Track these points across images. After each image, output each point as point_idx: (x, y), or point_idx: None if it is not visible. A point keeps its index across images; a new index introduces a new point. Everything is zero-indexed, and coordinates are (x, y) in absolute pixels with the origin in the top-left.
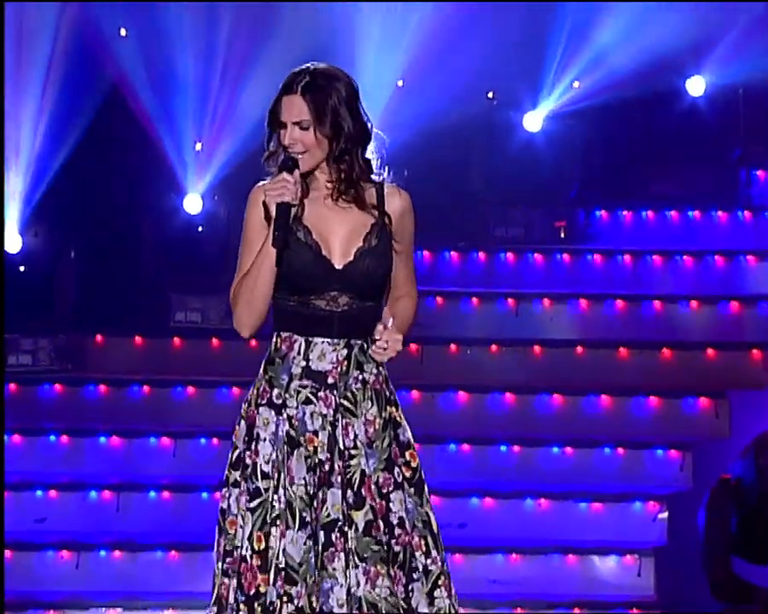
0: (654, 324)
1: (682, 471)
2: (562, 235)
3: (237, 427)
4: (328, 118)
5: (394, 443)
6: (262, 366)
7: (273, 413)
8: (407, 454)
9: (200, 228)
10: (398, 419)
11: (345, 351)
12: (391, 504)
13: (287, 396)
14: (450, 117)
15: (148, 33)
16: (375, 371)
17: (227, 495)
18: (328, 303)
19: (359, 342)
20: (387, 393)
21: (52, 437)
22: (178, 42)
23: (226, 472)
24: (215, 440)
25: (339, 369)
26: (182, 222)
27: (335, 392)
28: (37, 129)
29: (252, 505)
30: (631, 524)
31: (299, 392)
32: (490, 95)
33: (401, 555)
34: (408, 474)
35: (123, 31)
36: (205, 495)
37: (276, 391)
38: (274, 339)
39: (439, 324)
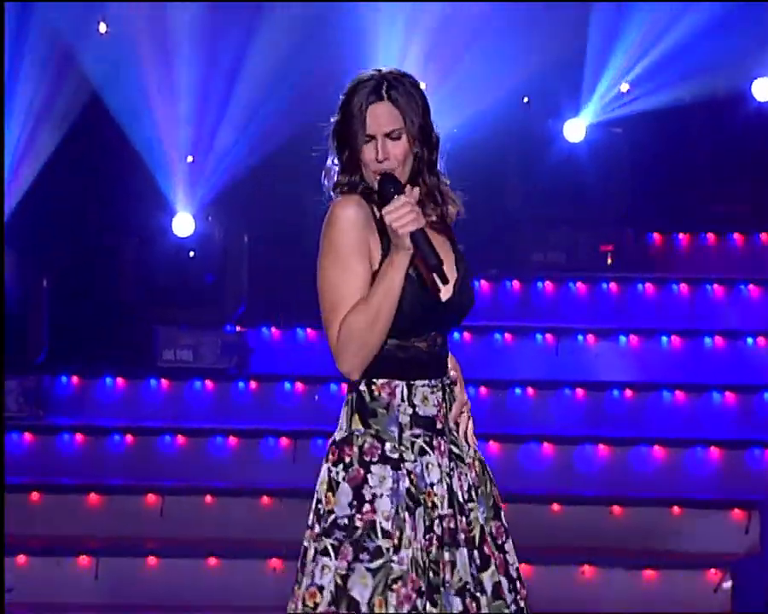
0: (715, 364)
1: (747, 534)
2: (609, 261)
3: (329, 495)
4: (419, 126)
5: (490, 483)
6: (355, 420)
7: (389, 468)
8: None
9: (191, 253)
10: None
11: (440, 393)
12: (507, 555)
13: (402, 448)
14: (480, 125)
15: (134, 36)
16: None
17: (312, 567)
18: (429, 344)
19: (447, 381)
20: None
21: (21, 494)
22: (167, 45)
23: (308, 544)
24: (209, 498)
25: (442, 412)
26: (170, 245)
27: (444, 438)
28: (7, 140)
29: (373, 565)
30: (690, 595)
31: (413, 443)
32: (525, 99)
33: (525, 611)
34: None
35: (102, 27)
36: (199, 562)
37: (388, 445)
38: (363, 388)
39: (465, 363)
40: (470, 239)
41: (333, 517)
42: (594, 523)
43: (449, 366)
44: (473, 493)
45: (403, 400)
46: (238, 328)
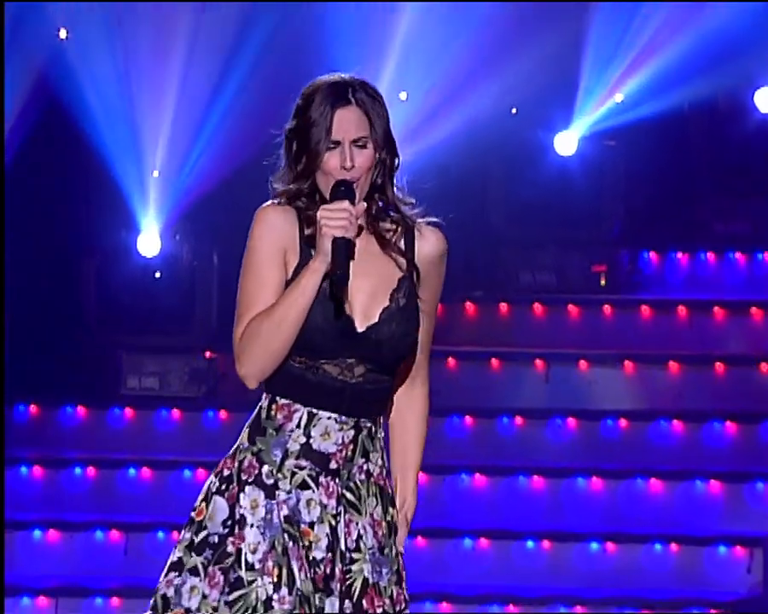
0: (718, 392)
1: (749, 573)
2: (603, 283)
3: (203, 505)
4: (384, 133)
5: (395, 549)
6: (246, 434)
7: (263, 495)
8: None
9: (157, 274)
10: (396, 524)
11: (352, 433)
12: None
13: (279, 476)
14: (464, 137)
15: (96, 41)
16: (380, 462)
17: (177, 582)
18: (342, 371)
19: (368, 424)
20: (389, 491)
21: None
22: (133, 56)
23: (179, 553)
24: (176, 534)
25: (344, 453)
26: (135, 266)
27: (338, 480)
28: None
29: (231, 597)
30: None
31: (294, 473)
32: (513, 110)
33: None
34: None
35: (63, 34)
36: None
37: (266, 468)
38: (266, 404)
39: (450, 392)
40: (453, 259)
41: (205, 533)
42: (586, 561)
43: (380, 412)
44: (361, 544)
45: (298, 426)
46: (208, 354)
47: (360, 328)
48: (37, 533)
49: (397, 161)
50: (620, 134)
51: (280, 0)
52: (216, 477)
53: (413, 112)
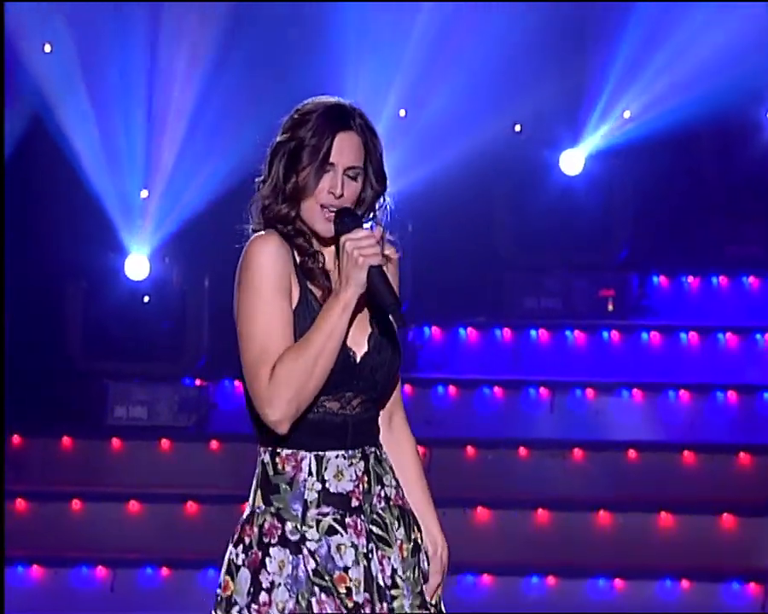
0: (729, 422)
1: (765, 610)
2: (610, 308)
3: (228, 579)
4: (378, 166)
5: (419, 571)
6: (258, 496)
7: (289, 553)
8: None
9: (146, 299)
10: (422, 543)
11: (362, 464)
12: None
13: (304, 528)
14: (466, 156)
15: (82, 58)
16: (393, 482)
17: None
18: (342, 405)
19: (373, 450)
20: (409, 508)
21: None
22: (121, 71)
23: None
24: (165, 569)
25: (361, 487)
26: (123, 290)
27: (363, 517)
28: None
29: None
30: None
31: (319, 521)
32: (517, 128)
33: None
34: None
35: (47, 48)
36: None
37: (289, 525)
38: (268, 459)
39: (451, 421)
40: (455, 283)
41: (237, 608)
42: (595, 598)
43: (377, 434)
44: (397, 578)
45: (310, 474)
46: (198, 382)
47: (357, 360)
48: (20, 569)
49: (383, 199)
50: (629, 152)
51: (272, 12)
52: (236, 547)
53: (412, 129)
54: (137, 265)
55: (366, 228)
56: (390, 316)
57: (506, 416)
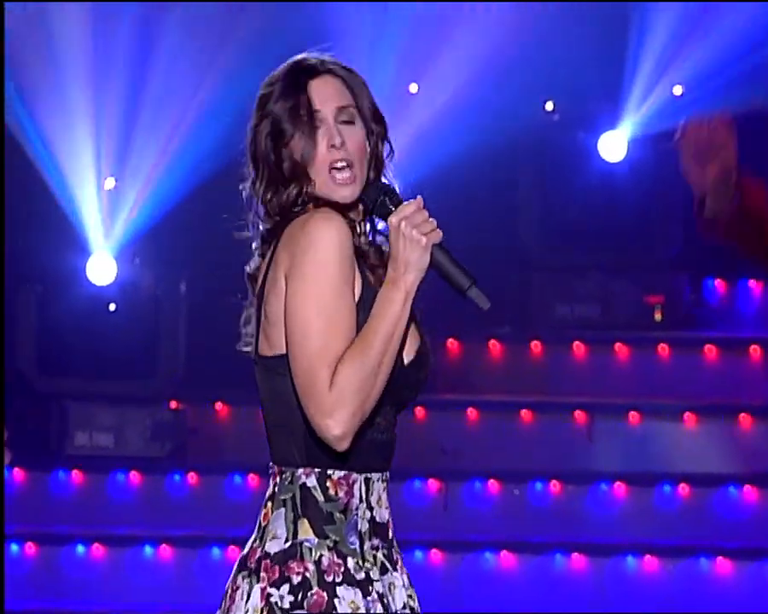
0: None
1: None
2: (658, 317)
3: None
4: (373, 110)
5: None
6: (306, 526)
7: (360, 594)
8: None
9: (112, 306)
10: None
11: (384, 486)
12: None
13: (366, 565)
14: (489, 140)
15: (41, 37)
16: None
17: None
18: (388, 422)
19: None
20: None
21: None
22: (86, 44)
23: None
24: None
25: (388, 515)
26: (85, 296)
27: (394, 550)
28: None
29: None
30: None
31: (375, 557)
32: (549, 106)
33: None
34: None
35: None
36: None
37: (351, 562)
38: (314, 482)
39: (472, 451)
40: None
41: None
42: None
43: None
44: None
45: (361, 500)
46: (174, 404)
47: (406, 365)
48: None
49: (389, 147)
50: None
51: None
52: (279, 587)
53: (426, 108)
54: (102, 267)
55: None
56: (470, 297)
57: (536, 445)
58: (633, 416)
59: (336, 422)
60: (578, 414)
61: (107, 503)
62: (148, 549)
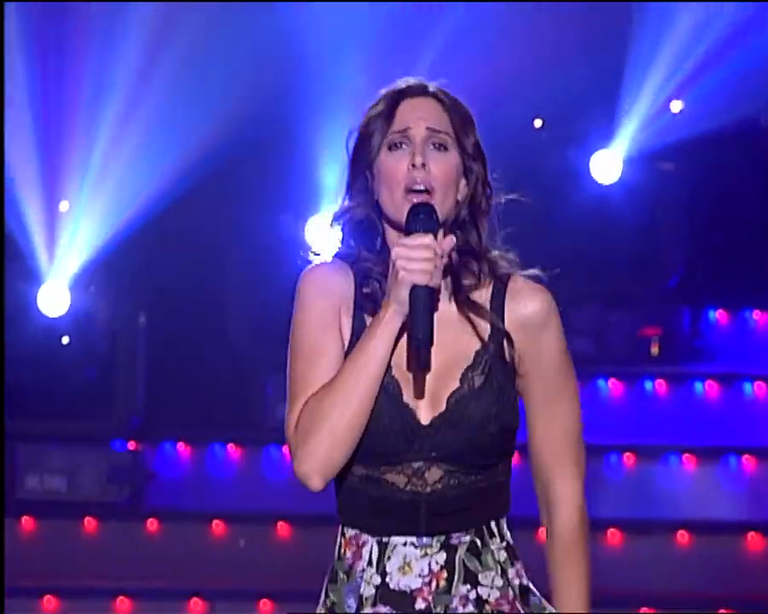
0: None
1: None
2: (655, 351)
3: None
4: (475, 146)
5: None
6: (325, 586)
7: None
8: None
9: (64, 339)
10: None
11: (443, 556)
12: None
13: None
14: None
15: None
16: (498, 582)
17: None
18: (410, 480)
19: (468, 538)
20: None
21: None
22: (38, 60)
23: None
24: None
25: (434, 586)
26: (35, 328)
27: None
28: None
29: None
30: None
31: None
32: (537, 123)
33: None
34: None
35: None
36: None
37: None
38: (338, 539)
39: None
40: None
41: None
42: None
43: (488, 516)
44: None
45: (370, 564)
46: (132, 445)
47: (425, 421)
48: None
49: (490, 191)
50: (679, 154)
51: None
52: None
53: None
54: (54, 297)
55: (436, 235)
56: (415, 349)
57: (523, 488)
58: (628, 457)
59: (299, 461)
60: None
61: (60, 552)
62: (104, 603)
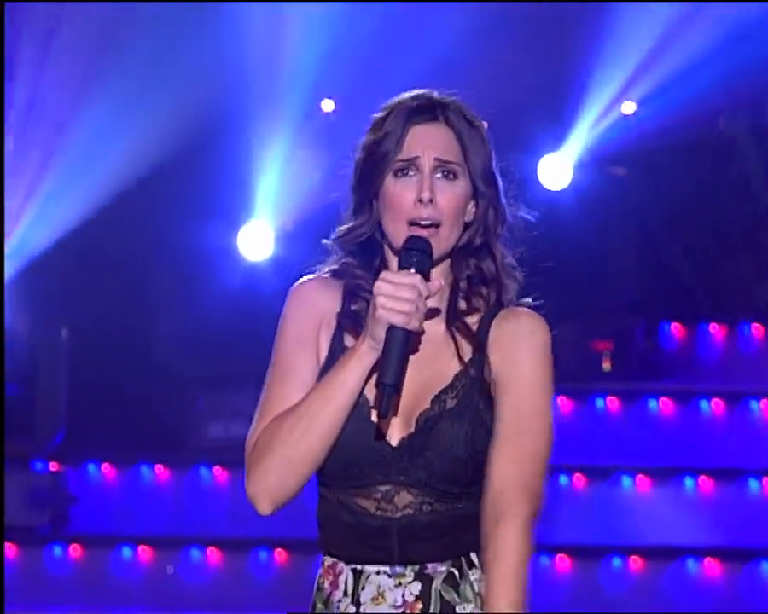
0: (765, 519)
1: None
2: (607, 366)
3: None
4: (485, 170)
5: None
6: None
7: None
8: None
9: None
10: None
11: (417, 586)
12: None
13: None
14: None
15: None
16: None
17: None
18: (379, 504)
19: (444, 568)
20: None
21: None
22: None
23: None
24: None
25: None
26: None
27: None
28: None
29: None
30: None
31: None
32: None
33: None
34: None
35: None
36: None
37: None
38: (320, 569)
39: None
40: None
41: None
42: None
43: (466, 548)
44: None
45: (346, 594)
46: (54, 467)
47: (394, 442)
48: None
49: (504, 215)
50: (633, 158)
51: None
52: None
53: (342, 126)
54: None
55: (426, 276)
56: (380, 391)
57: None
58: (577, 480)
59: (250, 480)
60: None
61: None
62: None
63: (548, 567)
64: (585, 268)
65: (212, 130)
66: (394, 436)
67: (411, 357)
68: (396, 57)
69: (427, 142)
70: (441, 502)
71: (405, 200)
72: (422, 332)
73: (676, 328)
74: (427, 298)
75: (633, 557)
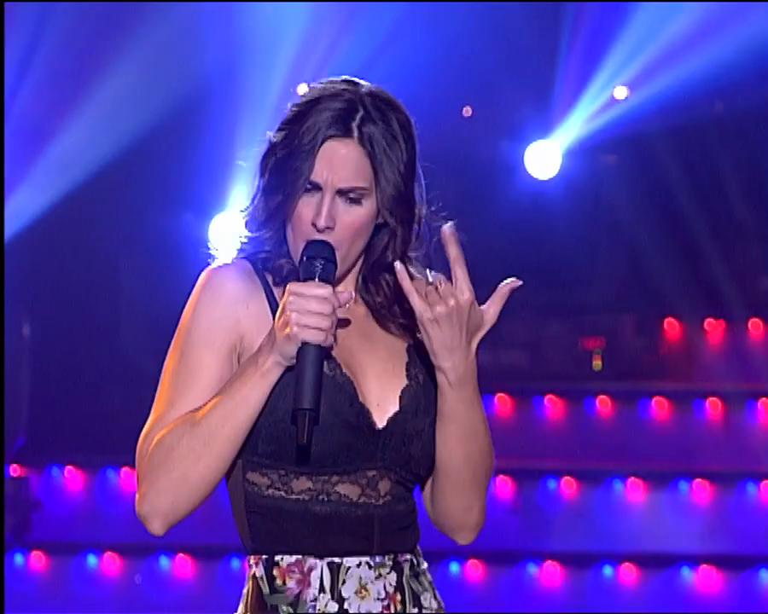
0: (764, 525)
1: None
2: (597, 364)
3: None
4: (396, 188)
5: None
6: None
7: None
8: None
9: None
10: None
11: (394, 577)
12: None
13: None
14: None
15: None
16: (434, 604)
17: None
18: (364, 491)
19: (408, 558)
20: None
21: None
22: None
23: None
24: None
25: (392, 609)
26: None
27: None
28: None
29: None
30: None
31: None
32: (466, 111)
33: None
34: None
35: None
36: None
37: None
38: (260, 572)
39: None
40: None
41: None
42: None
43: (418, 538)
44: None
45: (322, 590)
46: (15, 471)
47: (380, 423)
48: None
49: (415, 231)
50: (626, 145)
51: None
52: None
53: None
54: None
55: (332, 283)
56: (296, 418)
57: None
58: (567, 484)
59: (142, 497)
60: (503, 480)
61: None
62: None
63: (536, 575)
64: (574, 261)
65: (186, 120)
66: (379, 419)
67: (362, 343)
68: (373, 42)
69: (334, 167)
70: (407, 488)
71: (304, 218)
72: (333, 347)
73: (670, 324)
74: (333, 309)
75: (626, 564)
